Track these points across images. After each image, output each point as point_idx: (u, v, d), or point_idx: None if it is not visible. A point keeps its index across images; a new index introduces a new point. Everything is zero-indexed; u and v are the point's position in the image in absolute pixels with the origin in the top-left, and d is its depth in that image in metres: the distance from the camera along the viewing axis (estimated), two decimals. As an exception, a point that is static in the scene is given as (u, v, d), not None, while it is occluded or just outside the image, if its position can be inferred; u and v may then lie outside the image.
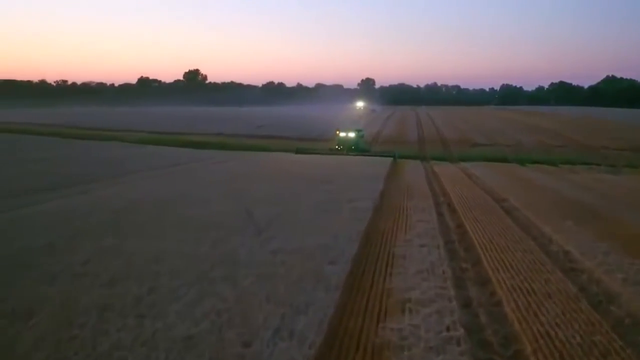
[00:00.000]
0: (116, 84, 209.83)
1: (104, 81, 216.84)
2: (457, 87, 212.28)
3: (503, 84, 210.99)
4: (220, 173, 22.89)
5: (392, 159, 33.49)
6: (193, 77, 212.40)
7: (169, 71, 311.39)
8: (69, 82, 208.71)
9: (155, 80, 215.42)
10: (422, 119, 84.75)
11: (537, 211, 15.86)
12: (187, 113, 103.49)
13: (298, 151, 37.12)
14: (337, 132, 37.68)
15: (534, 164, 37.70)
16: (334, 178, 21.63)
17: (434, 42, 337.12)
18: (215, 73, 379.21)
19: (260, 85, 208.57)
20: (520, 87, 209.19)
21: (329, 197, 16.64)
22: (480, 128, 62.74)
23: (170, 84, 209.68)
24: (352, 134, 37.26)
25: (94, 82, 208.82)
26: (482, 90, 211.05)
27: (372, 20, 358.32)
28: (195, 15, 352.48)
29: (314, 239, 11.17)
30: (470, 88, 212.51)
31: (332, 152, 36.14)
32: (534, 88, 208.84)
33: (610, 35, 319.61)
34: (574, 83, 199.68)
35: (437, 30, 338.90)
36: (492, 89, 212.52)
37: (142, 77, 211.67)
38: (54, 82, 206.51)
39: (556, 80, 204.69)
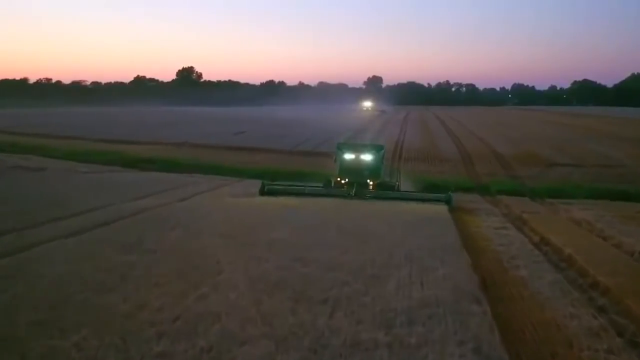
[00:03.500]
0: (106, 83, 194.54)
1: (98, 80, 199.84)
2: (472, 85, 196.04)
3: (515, 83, 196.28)
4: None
5: (445, 205, 17.80)
6: (187, 75, 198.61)
7: (166, 70, 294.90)
8: (53, 81, 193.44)
9: (151, 79, 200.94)
10: (448, 122, 68.83)
11: None
12: (167, 114, 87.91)
13: (266, 191, 19.85)
14: (340, 153, 20.38)
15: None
16: None
17: (443, 39, 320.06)
18: (212, 71, 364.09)
19: (258, 83, 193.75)
20: (533, 87, 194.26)
21: None
22: (536, 136, 46.76)
23: (167, 82, 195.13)
24: (367, 157, 19.97)
25: (87, 81, 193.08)
26: (493, 90, 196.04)
27: (378, 15, 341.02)
28: (192, 12, 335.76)
29: None
30: (481, 87, 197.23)
31: (328, 191, 19.42)
32: (546, 87, 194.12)
33: (628, 31, 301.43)
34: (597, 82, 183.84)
35: (447, 26, 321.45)
36: (503, 88, 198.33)
37: (138, 76, 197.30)
38: (37, 80, 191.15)
39: (577, 79, 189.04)
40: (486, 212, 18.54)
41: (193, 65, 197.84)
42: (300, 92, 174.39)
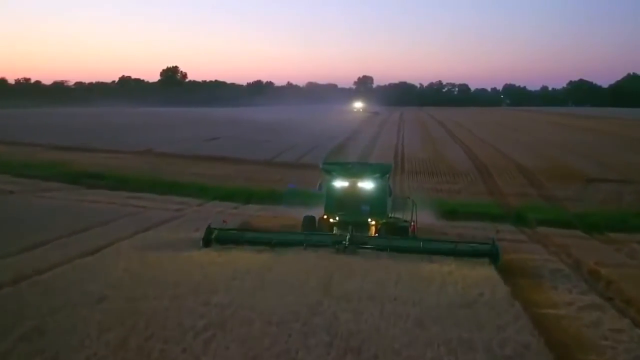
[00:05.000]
0: (90, 83, 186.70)
1: (82, 80, 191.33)
2: (465, 86, 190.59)
3: (506, 84, 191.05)
4: None
5: (490, 264, 11.59)
6: (171, 75, 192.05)
7: (152, 69, 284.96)
8: (32, 81, 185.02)
9: (137, 80, 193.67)
10: (448, 125, 63.05)
11: None
12: (143, 115, 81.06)
13: (214, 240, 12.47)
14: (328, 177, 13.80)
15: None
16: None
17: (435, 39, 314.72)
18: (199, 71, 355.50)
19: (245, 84, 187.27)
20: (525, 87, 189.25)
21: None
22: (554, 142, 41.05)
23: (152, 83, 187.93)
24: (367, 184, 13.38)
25: (70, 82, 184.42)
26: (484, 90, 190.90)
27: (369, 15, 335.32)
28: (179, 11, 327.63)
29: None
30: (472, 88, 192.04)
31: (309, 239, 12.38)
32: (538, 88, 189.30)
33: (623, 31, 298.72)
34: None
35: (439, 26, 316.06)
36: (495, 88, 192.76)
37: (123, 76, 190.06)
38: (16, 80, 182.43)
39: (573, 79, 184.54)
40: (546, 267, 12.44)
41: (178, 65, 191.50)
42: (288, 93, 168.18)
